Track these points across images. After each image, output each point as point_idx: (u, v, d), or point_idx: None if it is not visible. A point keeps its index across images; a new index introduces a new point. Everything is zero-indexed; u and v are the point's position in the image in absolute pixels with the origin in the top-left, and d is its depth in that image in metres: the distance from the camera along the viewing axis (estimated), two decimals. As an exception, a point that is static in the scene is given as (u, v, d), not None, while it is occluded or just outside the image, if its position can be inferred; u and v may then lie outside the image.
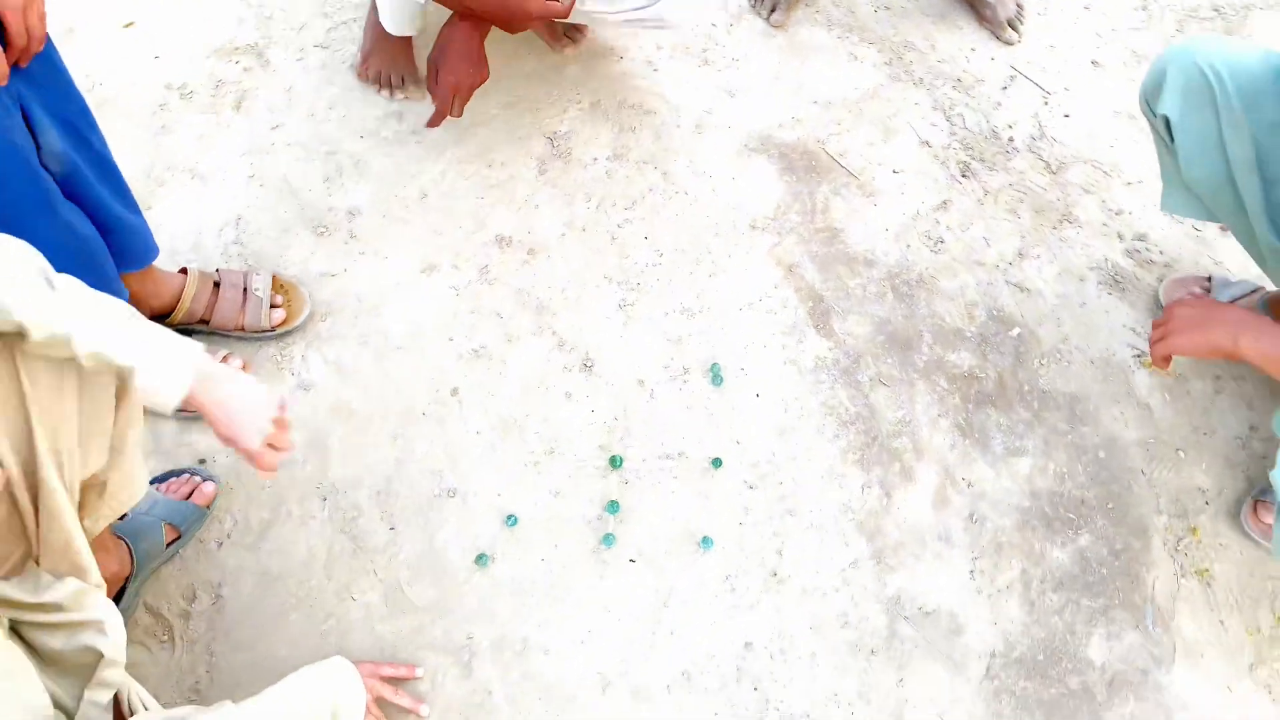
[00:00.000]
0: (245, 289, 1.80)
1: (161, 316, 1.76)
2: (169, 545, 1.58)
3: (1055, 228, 2.04)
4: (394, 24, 1.99)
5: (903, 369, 1.85)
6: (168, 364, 1.08)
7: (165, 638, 1.56)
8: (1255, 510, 1.65)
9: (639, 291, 1.93)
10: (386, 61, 2.17)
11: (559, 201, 2.04)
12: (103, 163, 1.47)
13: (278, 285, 1.86)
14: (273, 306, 1.83)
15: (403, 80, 2.17)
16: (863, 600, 1.63)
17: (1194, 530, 1.69)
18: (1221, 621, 1.62)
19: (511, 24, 1.70)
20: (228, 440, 1.18)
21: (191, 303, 1.75)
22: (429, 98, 1.88)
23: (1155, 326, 1.47)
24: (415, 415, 1.78)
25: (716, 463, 1.74)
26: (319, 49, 2.25)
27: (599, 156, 2.11)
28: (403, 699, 1.48)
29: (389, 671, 1.50)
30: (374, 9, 2.11)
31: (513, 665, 1.55)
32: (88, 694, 1.02)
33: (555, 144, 2.12)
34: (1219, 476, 1.75)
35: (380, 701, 1.47)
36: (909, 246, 2.00)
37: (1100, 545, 1.68)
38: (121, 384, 1.08)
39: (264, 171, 2.06)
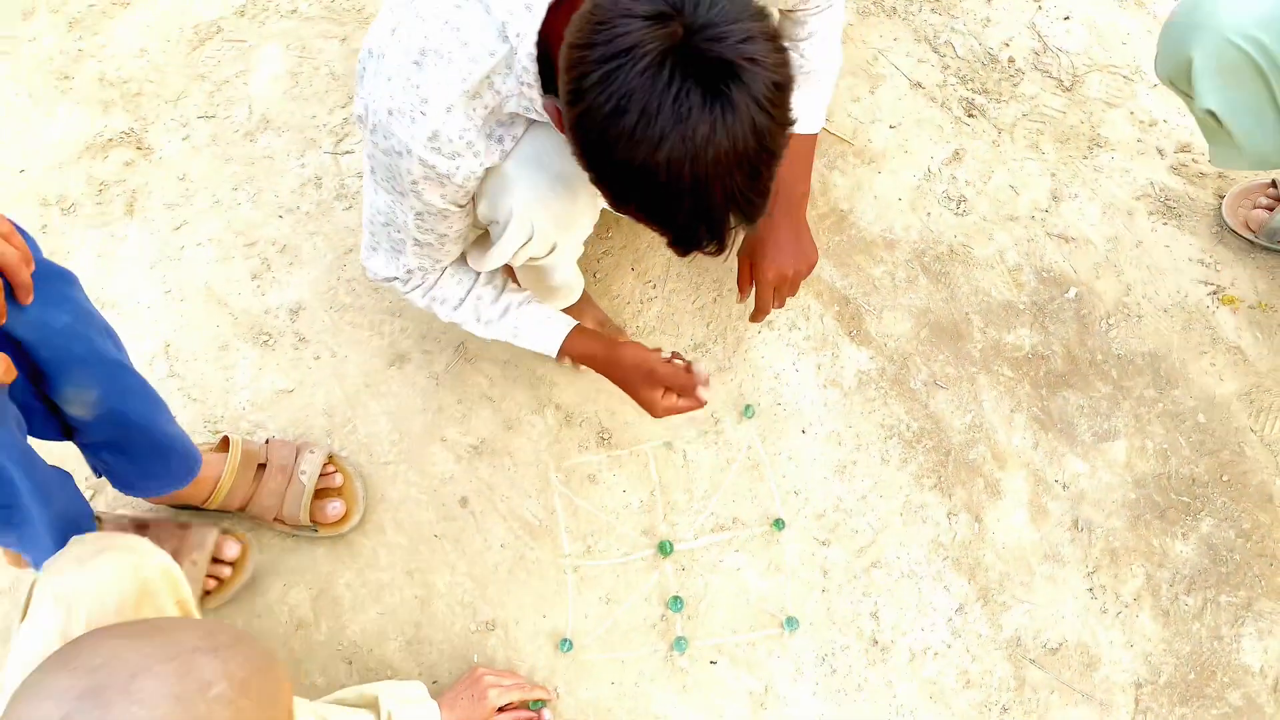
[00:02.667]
0: (292, 473, 1.59)
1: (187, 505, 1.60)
2: None
3: (1086, 156, 1.86)
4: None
5: (958, 363, 1.69)
6: None
7: None
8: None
9: (640, 335, 1.74)
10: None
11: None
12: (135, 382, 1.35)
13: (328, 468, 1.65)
14: (328, 491, 1.62)
15: None
16: (979, 651, 1.49)
17: (1324, 487, 1.56)
18: (1379, 588, 1.50)
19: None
20: None
21: (227, 495, 1.57)
22: None
23: None
24: (426, 539, 1.61)
25: (778, 524, 1.58)
26: (204, 120, 2.01)
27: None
28: None
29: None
30: None
31: (609, 820, 1.41)
32: None
33: (504, 177, 1.91)
34: (1334, 415, 1.62)
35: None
36: (929, 215, 1.82)
37: (1226, 527, 1.54)
38: None
39: (180, 284, 1.84)
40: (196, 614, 1.15)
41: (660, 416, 1.43)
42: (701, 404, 1.41)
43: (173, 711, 0.80)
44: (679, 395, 1.41)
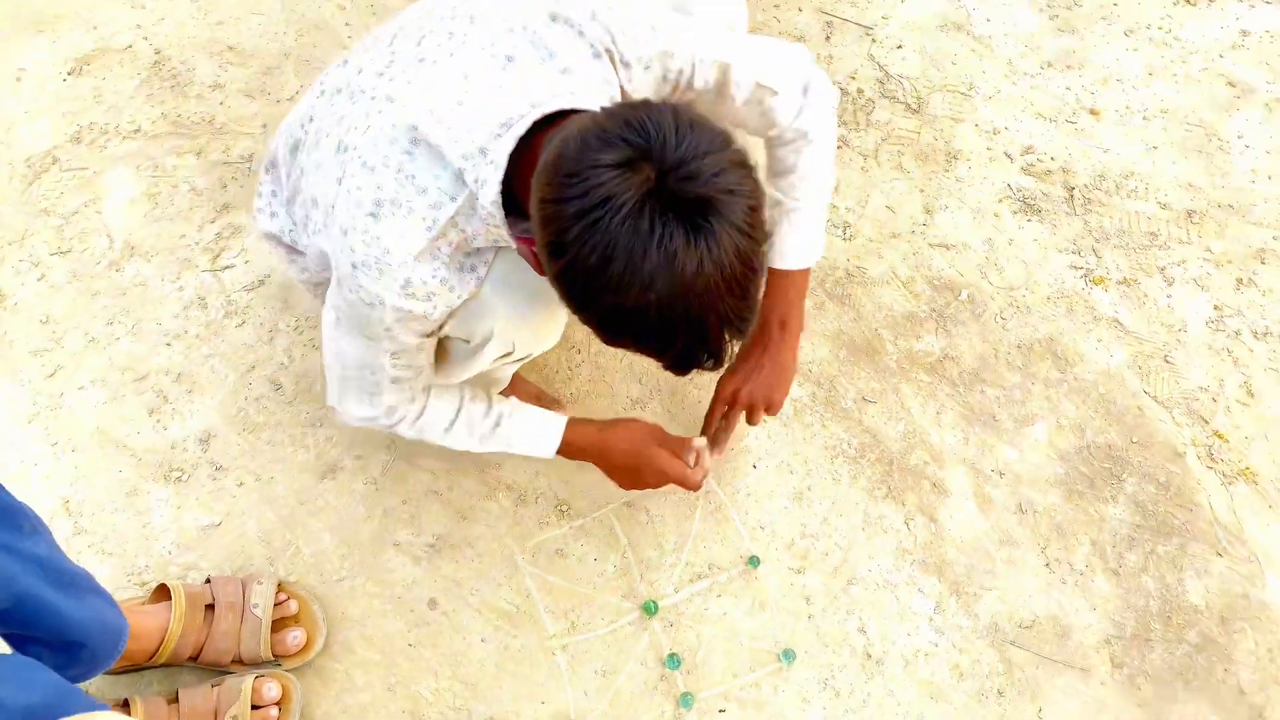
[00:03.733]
0: (243, 610, 1.50)
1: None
2: None
3: (946, 169, 2.03)
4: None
5: (880, 377, 1.79)
6: None
7: None
8: None
9: (571, 400, 1.76)
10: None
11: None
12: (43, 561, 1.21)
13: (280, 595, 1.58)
14: (285, 622, 1.55)
15: None
16: (965, 643, 1.58)
17: (1219, 434, 1.75)
18: (1285, 513, 1.69)
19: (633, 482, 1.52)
20: None
21: (177, 645, 1.46)
22: None
23: None
24: (401, 650, 1.57)
25: (753, 561, 1.63)
26: (59, 257, 1.91)
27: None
28: None
29: None
30: None
31: None
32: None
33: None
34: (1210, 370, 1.81)
35: None
36: (820, 243, 1.93)
37: (1146, 484, 1.70)
38: None
39: (67, 433, 1.73)
40: None
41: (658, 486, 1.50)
42: (695, 487, 1.50)
43: None
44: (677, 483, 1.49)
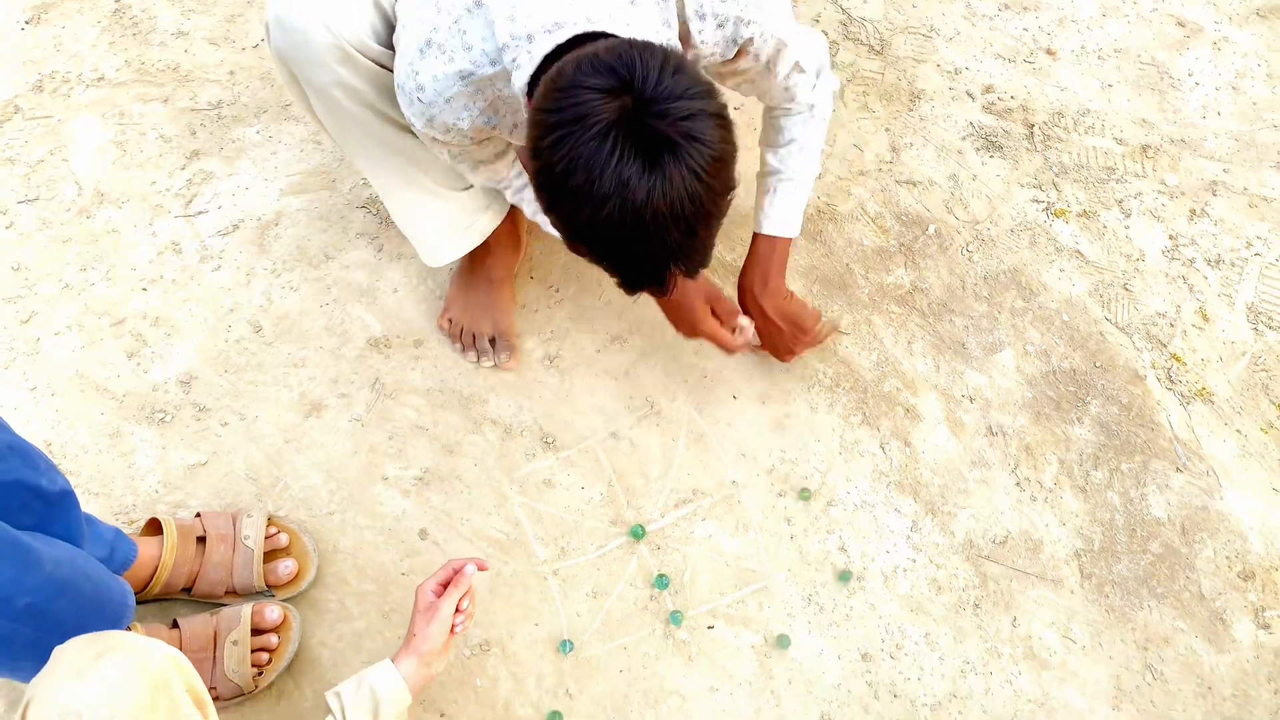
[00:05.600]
0: (235, 541, 1.54)
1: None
2: None
3: (910, 109, 2.10)
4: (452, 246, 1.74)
5: (852, 309, 1.87)
6: None
7: None
8: None
9: (557, 338, 1.82)
10: (471, 310, 1.81)
11: (414, 274, 1.87)
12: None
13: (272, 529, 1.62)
14: (276, 553, 1.59)
15: (492, 341, 1.81)
16: (941, 559, 1.66)
17: (1176, 357, 1.85)
18: (1239, 431, 1.79)
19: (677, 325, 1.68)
20: None
21: (170, 574, 1.50)
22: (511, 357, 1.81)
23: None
24: (394, 579, 1.61)
25: (735, 484, 1.70)
26: (27, 205, 1.92)
27: (431, 207, 1.94)
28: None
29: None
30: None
31: (655, 798, 1.48)
32: None
33: (376, 210, 1.93)
34: (1167, 296, 1.91)
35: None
36: (791, 182, 2.00)
37: (1109, 405, 1.80)
38: None
39: (46, 378, 1.75)
40: (206, 698, 1.10)
41: (692, 337, 1.67)
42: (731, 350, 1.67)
43: None
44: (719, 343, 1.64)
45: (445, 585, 1.38)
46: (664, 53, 1.04)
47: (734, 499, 1.70)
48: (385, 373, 1.78)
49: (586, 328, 1.83)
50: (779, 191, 1.60)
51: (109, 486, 1.67)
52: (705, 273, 1.34)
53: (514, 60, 1.15)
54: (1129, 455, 1.76)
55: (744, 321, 1.65)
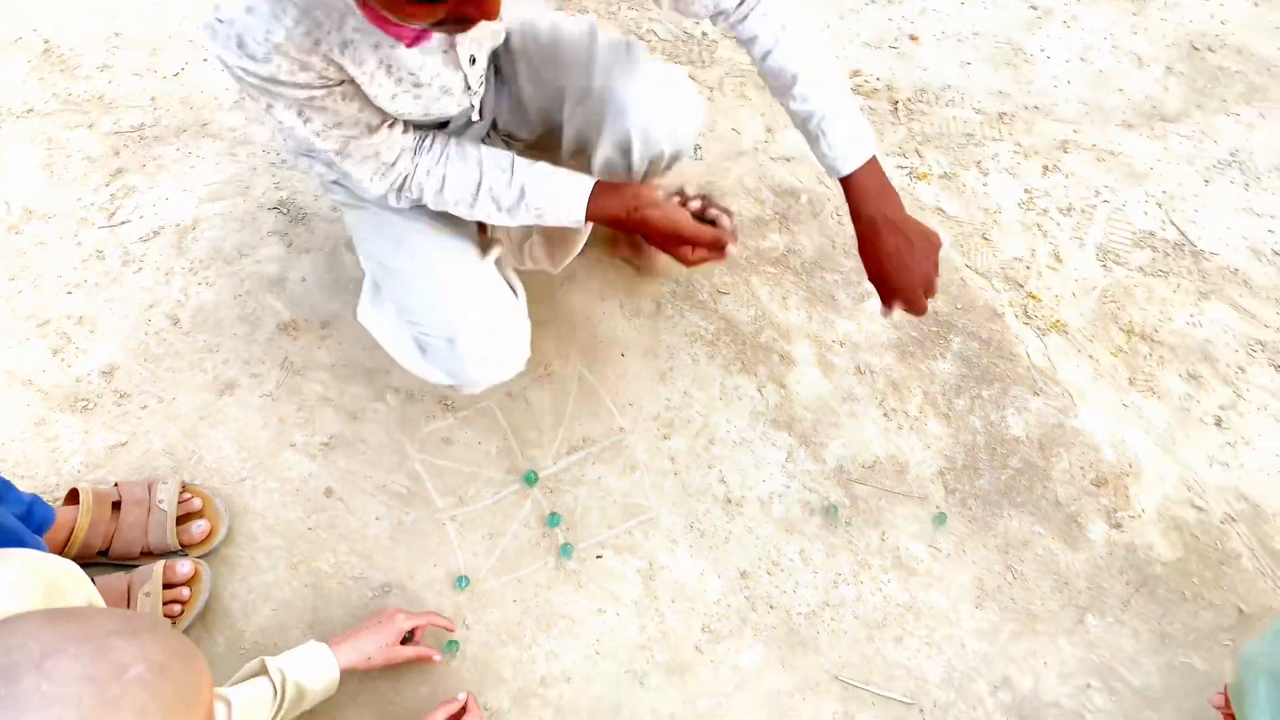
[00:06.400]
0: (149, 505, 1.66)
1: None
2: None
3: (784, 96, 2.28)
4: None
5: (732, 272, 2.02)
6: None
7: None
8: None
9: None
10: None
11: (322, 262, 2.02)
12: None
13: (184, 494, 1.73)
14: (190, 516, 1.70)
15: None
16: (814, 484, 1.79)
17: (1032, 295, 2.00)
18: (1091, 356, 1.94)
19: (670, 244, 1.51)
20: None
21: (86, 535, 1.61)
22: None
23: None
24: (301, 534, 1.73)
25: (622, 431, 1.83)
26: (-38, 221, 2.07)
27: (336, 205, 2.10)
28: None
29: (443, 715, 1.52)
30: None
31: (543, 709, 1.58)
32: None
33: (286, 210, 2.09)
34: (1023, 243, 2.07)
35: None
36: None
37: (970, 341, 1.94)
38: None
39: (-22, 373, 1.88)
40: None
41: (690, 268, 1.64)
42: (725, 258, 1.50)
43: (85, 691, 0.80)
44: (708, 249, 1.48)
45: (412, 633, 1.57)
46: None
47: (622, 444, 1.83)
48: (294, 353, 1.92)
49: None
50: (827, 127, 1.41)
51: (34, 470, 1.79)
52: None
53: None
54: (989, 384, 1.90)
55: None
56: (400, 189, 1.44)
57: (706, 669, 1.62)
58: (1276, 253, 2.09)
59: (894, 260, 1.45)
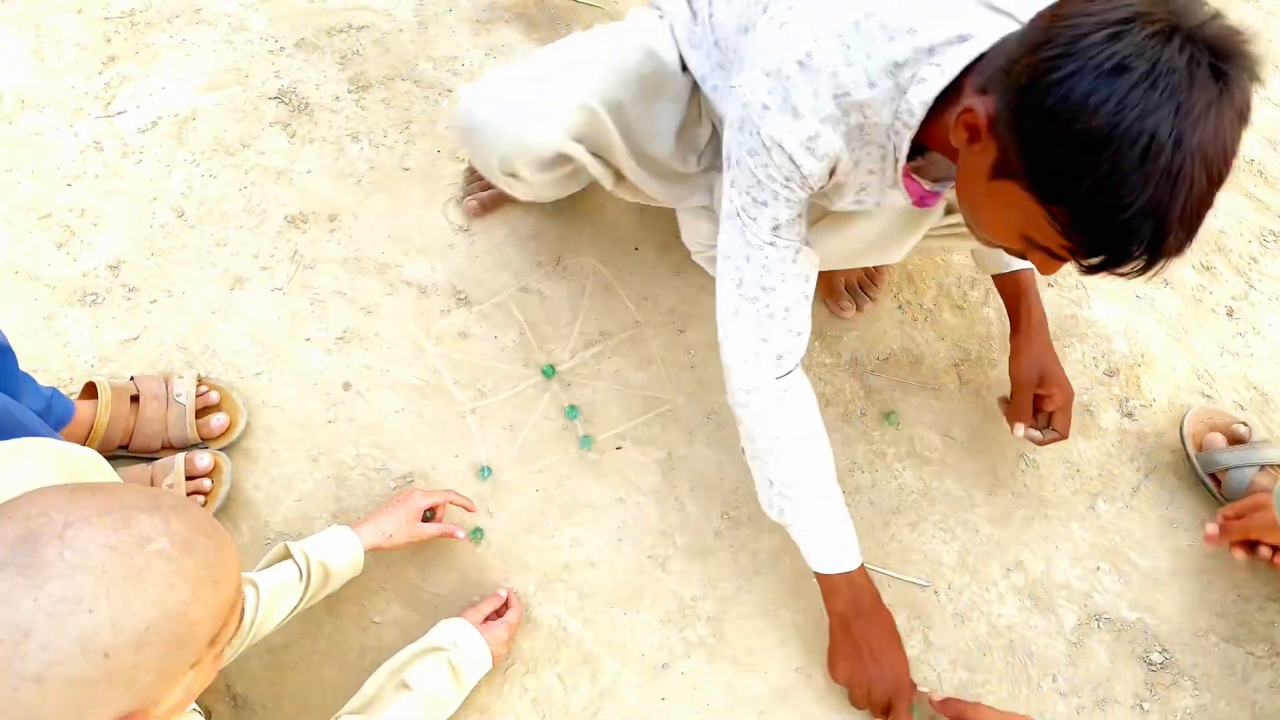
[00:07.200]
0: (167, 399, 1.67)
1: None
2: None
3: None
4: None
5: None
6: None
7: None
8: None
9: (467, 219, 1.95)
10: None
11: (327, 155, 2.00)
12: None
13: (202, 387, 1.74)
14: (208, 410, 1.71)
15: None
16: (828, 376, 1.82)
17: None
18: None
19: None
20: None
21: (107, 430, 1.62)
22: None
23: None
24: (321, 426, 1.75)
25: (638, 324, 1.84)
26: (-48, 112, 2.02)
27: (339, 94, 2.08)
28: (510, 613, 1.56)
29: (488, 608, 1.55)
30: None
31: (567, 593, 1.62)
32: None
33: (286, 100, 2.06)
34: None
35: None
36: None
37: (985, 232, 1.96)
38: None
39: (-19, 268, 1.86)
40: None
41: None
42: None
43: (107, 560, 0.80)
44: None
45: (434, 513, 1.59)
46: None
47: (638, 337, 1.84)
48: (303, 246, 1.91)
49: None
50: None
51: (46, 364, 1.79)
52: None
53: (914, 76, 1.09)
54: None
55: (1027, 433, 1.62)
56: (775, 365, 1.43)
57: (726, 554, 1.67)
58: (1288, 145, 2.11)
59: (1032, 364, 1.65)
